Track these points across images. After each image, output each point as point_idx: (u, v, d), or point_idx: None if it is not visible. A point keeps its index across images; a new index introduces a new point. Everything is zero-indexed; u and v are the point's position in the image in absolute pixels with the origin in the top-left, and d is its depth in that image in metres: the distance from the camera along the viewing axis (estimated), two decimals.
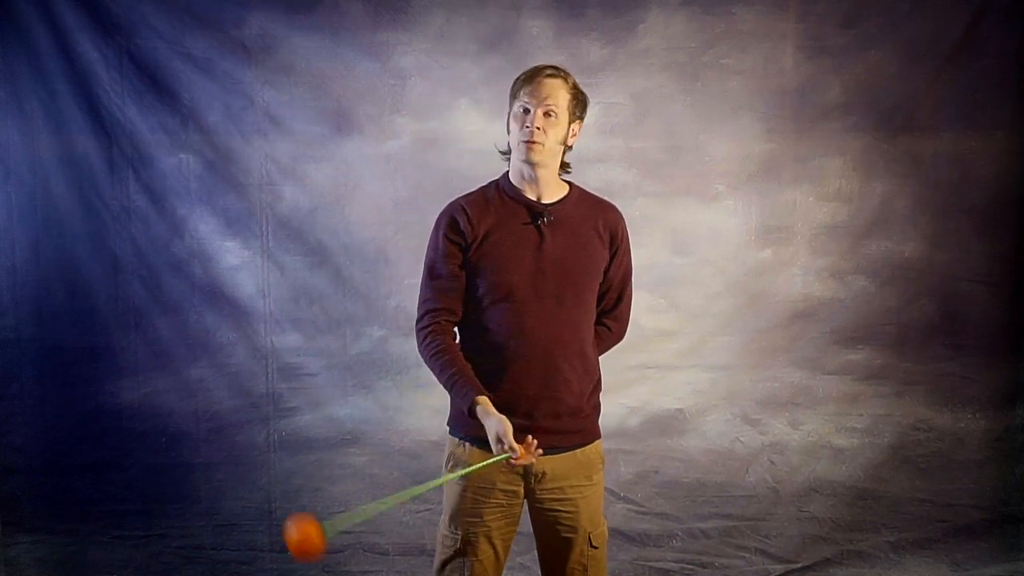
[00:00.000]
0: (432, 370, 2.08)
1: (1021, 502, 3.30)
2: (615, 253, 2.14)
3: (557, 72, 2.03)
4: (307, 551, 1.80)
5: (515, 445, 1.92)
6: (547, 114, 2.00)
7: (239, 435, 3.26)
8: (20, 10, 3.07)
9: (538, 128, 2.00)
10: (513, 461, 1.94)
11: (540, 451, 1.95)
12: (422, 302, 2.11)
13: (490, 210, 2.07)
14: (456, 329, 2.13)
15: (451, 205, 2.11)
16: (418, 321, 2.11)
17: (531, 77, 2.02)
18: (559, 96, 2.01)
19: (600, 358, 2.22)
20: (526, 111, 2.01)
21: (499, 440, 1.94)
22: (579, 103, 2.07)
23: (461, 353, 2.08)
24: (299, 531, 1.79)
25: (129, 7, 3.10)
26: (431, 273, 2.10)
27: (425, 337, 2.08)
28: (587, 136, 3.11)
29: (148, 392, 3.23)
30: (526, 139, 2.01)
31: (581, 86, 2.08)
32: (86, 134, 3.14)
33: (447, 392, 2.07)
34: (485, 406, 1.98)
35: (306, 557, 1.83)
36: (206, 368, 3.24)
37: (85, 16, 3.08)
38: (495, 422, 1.95)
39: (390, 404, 3.27)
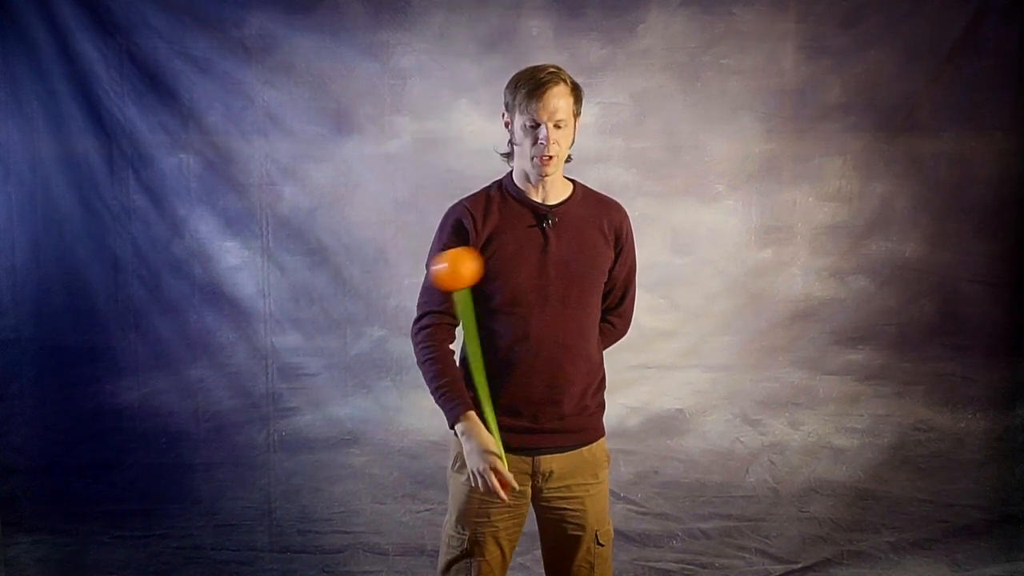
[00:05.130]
0: (424, 375, 2.08)
1: (1021, 502, 3.30)
2: (619, 252, 2.14)
3: (558, 78, 1.99)
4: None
5: (496, 486, 1.94)
6: (557, 126, 1.98)
7: (239, 435, 3.26)
8: (20, 10, 3.07)
9: (554, 143, 1.98)
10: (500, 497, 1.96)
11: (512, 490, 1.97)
12: (422, 304, 2.11)
13: (494, 212, 2.06)
14: (456, 332, 2.12)
15: (455, 207, 2.10)
16: (416, 322, 2.11)
17: (536, 90, 1.96)
18: (564, 103, 1.98)
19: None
20: (535, 126, 1.98)
21: (479, 479, 1.95)
22: (579, 100, 2.04)
23: (455, 362, 2.08)
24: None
25: (129, 7, 3.10)
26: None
27: (421, 340, 2.08)
28: (587, 136, 3.13)
29: (148, 392, 3.23)
30: (540, 155, 1.98)
31: (572, 79, 2.04)
32: (86, 134, 3.14)
33: (434, 400, 2.06)
34: (470, 424, 1.99)
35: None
36: (206, 368, 3.24)
37: (85, 16, 3.08)
38: (477, 449, 1.96)
39: (390, 404, 3.27)
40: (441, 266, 1.94)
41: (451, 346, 2.11)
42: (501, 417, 2.02)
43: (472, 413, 2.00)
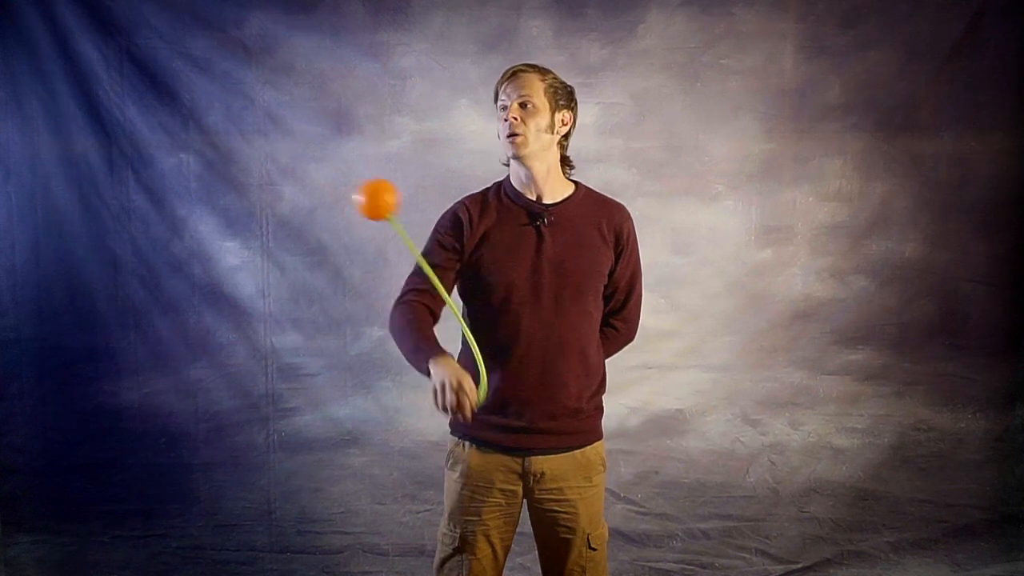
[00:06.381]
0: (398, 336, 2.01)
1: (1021, 502, 3.30)
2: (620, 254, 2.13)
3: (529, 67, 2.06)
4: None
5: (460, 402, 1.81)
6: (522, 105, 2.01)
7: (239, 435, 3.26)
8: (20, 10, 3.07)
9: (515, 119, 2.00)
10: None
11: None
12: (406, 283, 2.09)
13: (490, 210, 2.08)
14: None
15: (455, 204, 2.12)
16: (398, 299, 2.08)
17: (503, 77, 2.06)
18: (532, 86, 2.02)
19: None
20: (504, 108, 2.04)
21: (442, 389, 1.82)
22: (558, 92, 2.06)
23: (432, 326, 2.02)
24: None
25: (129, 7, 3.10)
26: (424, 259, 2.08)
27: (400, 307, 2.04)
28: (587, 136, 3.14)
29: (148, 392, 3.23)
30: (507, 133, 2.02)
31: (560, 78, 2.08)
32: (86, 134, 3.14)
33: (408, 357, 1.97)
34: (445, 359, 1.87)
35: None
36: (206, 368, 3.24)
37: (85, 16, 3.09)
38: (444, 368, 1.83)
39: (390, 404, 3.27)
40: (359, 198, 1.91)
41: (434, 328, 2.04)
42: (492, 416, 2.02)
43: (447, 356, 1.89)
